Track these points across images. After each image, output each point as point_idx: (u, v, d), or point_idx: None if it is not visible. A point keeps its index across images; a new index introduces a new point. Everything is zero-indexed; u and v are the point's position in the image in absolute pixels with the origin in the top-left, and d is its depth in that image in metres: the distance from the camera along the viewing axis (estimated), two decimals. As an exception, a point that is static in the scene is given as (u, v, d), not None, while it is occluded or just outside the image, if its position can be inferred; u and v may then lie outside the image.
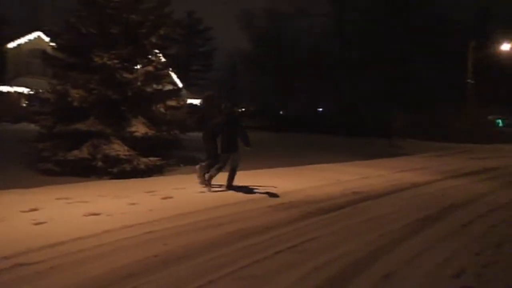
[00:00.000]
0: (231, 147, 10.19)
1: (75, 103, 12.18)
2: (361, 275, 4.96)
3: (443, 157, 21.92)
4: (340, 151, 22.00)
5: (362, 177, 13.12)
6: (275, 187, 10.62)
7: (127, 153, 12.07)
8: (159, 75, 14.16)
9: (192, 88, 49.98)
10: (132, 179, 11.31)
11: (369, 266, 5.26)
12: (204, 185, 10.09)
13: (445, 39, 37.24)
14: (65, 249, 5.49)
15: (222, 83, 49.17)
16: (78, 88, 12.41)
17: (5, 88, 34.64)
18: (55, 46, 13.86)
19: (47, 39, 14.28)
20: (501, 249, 6.18)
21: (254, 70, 41.59)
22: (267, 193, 9.91)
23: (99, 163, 11.81)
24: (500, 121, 56.99)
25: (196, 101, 46.16)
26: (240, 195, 9.57)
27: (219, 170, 10.15)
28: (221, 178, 10.33)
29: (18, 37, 35.88)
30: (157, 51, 14.45)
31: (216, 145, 10.33)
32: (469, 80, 36.81)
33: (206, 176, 10.12)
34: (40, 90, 13.96)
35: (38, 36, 35.26)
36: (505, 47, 38.95)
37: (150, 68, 13.65)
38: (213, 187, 10.18)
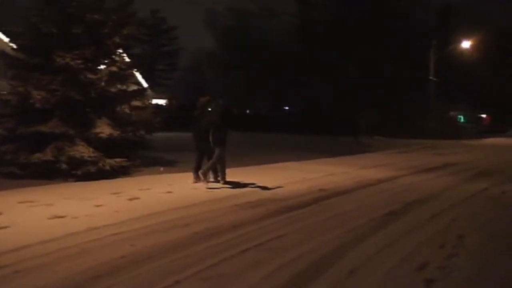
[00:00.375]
0: (222, 142, 10.94)
1: (37, 105, 11.94)
2: (327, 272, 5.03)
3: (407, 154, 22.35)
4: (307, 149, 22.16)
5: (328, 175, 13.26)
6: (242, 186, 10.66)
7: (92, 154, 11.90)
8: (123, 75, 14.01)
9: (157, 88, 49.53)
10: (97, 181, 11.18)
11: (334, 263, 5.33)
12: (205, 181, 10.75)
13: (408, 38, 37.89)
14: (30, 253, 5.41)
15: (187, 83, 48.91)
16: (40, 90, 12.17)
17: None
18: (16, 47, 13.54)
19: (6, 39, 13.93)
20: (462, 242, 6.34)
21: (220, 70, 41.49)
22: (234, 192, 9.94)
23: (63, 166, 11.62)
24: (461, 117, 58.31)
25: (162, 101, 45.76)
26: (207, 194, 9.57)
27: (214, 164, 10.95)
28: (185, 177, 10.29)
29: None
30: (121, 51, 14.28)
31: (210, 143, 10.95)
32: (431, 78, 37.57)
33: (200, 172, 10.79)
34: (0, 92, 13.63)
35: (-3, 36, 34.37)
36: (465, 44, 39.94)
37: (114, 68, 13.49)
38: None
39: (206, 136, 10.94)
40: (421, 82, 38.01)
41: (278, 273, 4.95)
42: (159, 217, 7.39)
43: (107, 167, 12.06)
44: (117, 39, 13.70)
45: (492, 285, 4.77)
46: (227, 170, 11.42)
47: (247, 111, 45.60)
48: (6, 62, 13.61)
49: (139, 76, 17.37)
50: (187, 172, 12.62)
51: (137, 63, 15.59)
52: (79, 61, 12.34)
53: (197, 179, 10.94)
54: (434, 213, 8.19)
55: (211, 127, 10.95)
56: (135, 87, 15.12)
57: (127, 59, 14.52)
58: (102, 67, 13.63)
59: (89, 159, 11.79)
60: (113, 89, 13.73)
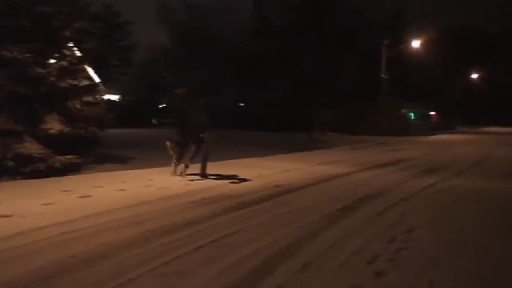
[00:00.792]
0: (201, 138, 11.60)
1: (-18, 100, 11.53)
2: (280, 267, 5.07)
3: (360, 150, 22.74)
4: (262, 146, 22.21)
5: (283, 171, 13.35)
6: (197, 183, 10.61)
7: (40, 151, 11.55)
8: (75, 70, 13.67)
9: (111, 84, 48.55)
10: (47, 179, 10.86)
11: (288, 258, 5.38)
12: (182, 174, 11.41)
13: (362, 37, 38.52)
14: (-25, 253, 5.23)
15: (141, 79, 48.20)
16: (-15, 84, 11.75)
17: None
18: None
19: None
20: (411, 235, 6.51)
21: (175, 66, 41.02)
22: (188, 189, 9.89)
23: (10, 163, 11.24)
24: (412, 114, 59.76)
25: (115, 97, 44.96)
26: (161, 192, 9.48)
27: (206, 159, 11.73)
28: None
29: None
30: (72, 45, 13.94)
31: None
32: (383, 76, 38.32)
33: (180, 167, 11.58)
34: None
35: None
36: (415, 44, 40.93)
37: (64, 62, 13.15)
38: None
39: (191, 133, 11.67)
40: (373, 80, 38.71)
41: (232, 269, 4.96)
42: (111, 215, 7.27)
43: (57, 165, 11.73)
44: (68, 33, 13.36)
45: (440, 276, 4.91)
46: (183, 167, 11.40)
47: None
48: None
49: (91, 71, 16.99)
50: (141, 169, 12.52)
51: (89, 58, 15.24)
52: (28, 55, 11.96)
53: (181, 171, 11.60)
54: (385, 208, 8.37)
55: (197, 126, 11.62)
56: (86, 82, 14.78)
57: (78, 54, 14.19)
58: (52, 61, 13.25)
59: (37, 156, 11.43)
60: (63, 84, 13.37)
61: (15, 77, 11.99)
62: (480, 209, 8.66)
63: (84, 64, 14.70)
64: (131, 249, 5.51)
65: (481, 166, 16.29)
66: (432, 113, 64.75)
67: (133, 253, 5.36)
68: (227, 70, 39.89)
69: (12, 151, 11.35)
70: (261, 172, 12.95)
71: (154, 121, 12.11)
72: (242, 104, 45.59)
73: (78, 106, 13.70)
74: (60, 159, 11.84)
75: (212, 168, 13.32)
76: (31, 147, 11.52)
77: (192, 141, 11.72)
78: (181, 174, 11.51)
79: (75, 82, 13.95)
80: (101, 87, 16.97)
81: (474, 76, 70.74)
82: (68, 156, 12.05)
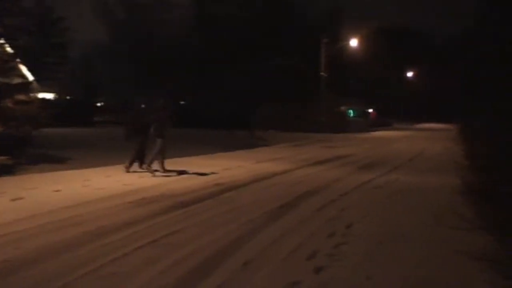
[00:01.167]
0: (162, 135, 12.12)
1: None
2: (222, 265, 5.06)
3: (300, 147, 23.01)
4: (203, 144, 22.11)
5: (224, 169, 13.32)
6: (136, 183, 10.44)
7: (-31, 152, 11.07)
8: (6, 68, 13.16)
9: (46, 82, 46.86)
10: (-24, 181, 10.40)
11: (229, 255, 5.38)
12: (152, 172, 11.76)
13: (302, 36, 38.97)
14: None
15: (78, 76, 46.88)
16: None
17: None
18: None
19: None
20: (350, 230, 6.66)
21: (113, 63, 40.14)
22: (127, 188, 9.70)
23: None
24: (351, 111, 61.08)
25: (50, 95, 43.53)
26: (99, 192, 9.23)
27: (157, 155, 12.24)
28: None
29: None
30: (3, 41, 13.40)
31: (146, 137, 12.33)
32: (322, 73, 38.94)
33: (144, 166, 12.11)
34: None
35: None
36: (353, 42, 41.84)
37: (-5, 60, 12.64)
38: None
39: (144, 130, 12.27)
40: (313, 78, 39.26)
41: (173, 269, 4.91)
42: (46, 217, 7.02)
43: (-12, 166, 11.28)
44: (-2, 29, 12.85)
45: (375, 269, 5.03)
46: (114, 167, 11.21)
47: (143, 106, 44.65)
48: None
49: (24, 69, 16.39)
50: (79, 170, 12.18)
51: (22, 55, 14.69)
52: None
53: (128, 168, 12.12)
54: (325, 204, 8.52)
55: (156, 123, 12.17)
56: (19, 80, 14.26)
57: (10, 50, 13.65)
58: (-19, 58, 12.71)
59: (-34, 157, 10.95)
60: (-6, 82, 12.86)
61: None
62: (412, 202, 8.95)
63: (16, 61, 14.16)
64: (67, 252, 5.35)
65: (415, 161, 16.85)
66: (370, 110, 66.47)
67: (69, 256, 5.21)
68: (167, 68, 39.45)
69: None
70: (202, 170, 12.87)
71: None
72: (182, 103, 45.18)
73: (10, 105, 13.19)
74: (-9, 160, 11.37)
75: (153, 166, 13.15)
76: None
77: (153, 139, 12.21)
78: (148, 171, 11.94)
79: (7, 80, 13.41)
80: (35, 85, 16.42)
81: (410, 74, 73.10)
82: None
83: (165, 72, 40.50)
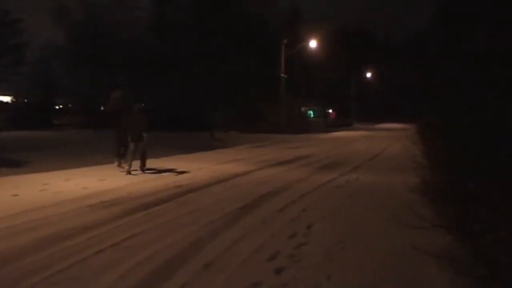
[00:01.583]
0: (141, 137, 12.71)
1: None
2: (183, 267, 5.05)
3: (261, 148, 23.08)
4: (163, 146, 21.88)
5: (184, 171, 13.25)
6: (96, 186, 10.28)
7: None
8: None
9: (2, 84, 45.54)
10: None
11: (190, 258, 5.36)
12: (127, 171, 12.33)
13: (261, 37, 39.07)
14: None
15: (35, 78, 45.77)
16: None
17: None
18: None
19: None
20: (310, 230, 6.72)
21: (71, 65, 39.33)
22: (85, 192, 9.54)
23: None
24: (311, 112, 61.64)
25: (6, 98, 42.46)
26: (57, 196, 9.04)
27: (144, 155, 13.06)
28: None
29: None
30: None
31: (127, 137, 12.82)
32: (282, 75, 39.16)
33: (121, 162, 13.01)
34: None
35: None
36: (312, 44, 42.25)
37: None
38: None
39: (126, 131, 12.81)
40: (274, 79, 39.43)
41: (133, 272, 4.87)
42: (2, 222, 6.85)
43: None
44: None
45: (335, 269, 5.10)
46: (70, 171, 10.99)
47: (102, 108, 43.99)
48: None
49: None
50: (37, 173, 11.92)
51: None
52: None
53: (119, 163, 13.13)
54: (286, 205, 8.56)
55: (134, 125, 12.75)
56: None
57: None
58: None
59: None
60: None
61: None
62: (372, 202, 9.10)
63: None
64: (23, 258, 5.24)
65: (375, 161, 17.13)
66: (330, 110, 67.23)
67: (25, 262, 5.10)
68: (125, 70, 39.02)
69: None
70: (162, 172, 12.79)
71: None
72: (143, 104, 44.66)
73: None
74: None
75: (110, 170, 13.00)
76: None
77: (132, 141, 12.67)
78: (123, 168, 12.72)
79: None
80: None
81: (368, 75, 74.33)
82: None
83: (121, 74, 40.10)
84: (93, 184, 10.56)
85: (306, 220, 7.31)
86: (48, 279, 4.62)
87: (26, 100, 43.33)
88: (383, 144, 26.24)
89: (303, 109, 52.67)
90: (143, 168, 12.92)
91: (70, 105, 47.10)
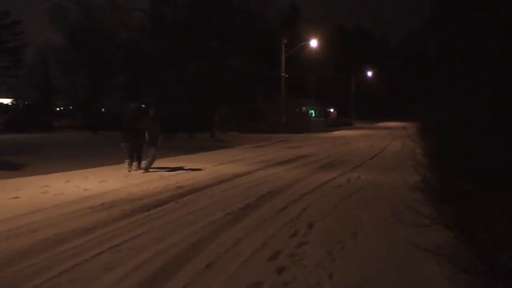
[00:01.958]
0: (156, 142, 13.55)
1: None
2: (184, 267, 5.05)
3: (262, 148, 23.07)
4: (164, 147, 21.92)
5: (185, 171, 13.27)
6: (96, 188, 10.29)
7: None
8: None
9: (1, 87, 45.53)
10: None
11: (191, 258, 5.37)
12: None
13: (261, 37, 39.03)
14: None
15: (33, 81, 45.79)
16: None
17: None
18: None
19: None
20: (311, 229, 6.72)
21: (69, 66, 39.28)
22: (87, 194, 9.54)
23: None
24: (313, 111, 61.64)
25: (6, 101, 42.43)
26: (57, 198, 9.04)
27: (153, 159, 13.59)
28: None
29: None
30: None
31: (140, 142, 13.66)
32: (282, 74, 39.15)
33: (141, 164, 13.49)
34: None
35: None
36: (313, 43, 42.24)
37: None
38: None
39: (139, 136, 13.48)
40: (274, 78, 39.40)
41: (134, 274, 4.87)
42: (3, 224, 6.85)
43: None
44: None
45: (336, 268, 5.10)
46: (71, 173, 10.96)
47: (103, 110, 44.00)
48: None
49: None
50: (38, 176, 11.92)
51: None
52: None
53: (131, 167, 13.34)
54: (286, 204, 8.57)
55: (147, 131, 13.51)
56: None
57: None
58: None
59: None
60: None
61: None
62: (373, 200, 9.10)
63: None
64: (24, 260, 5.24)
65: (375, 160, 17.12)
66: (331, 110, 67.30)
67: (26, 264, 5.11)
68: (123, 70, 39.00)
69: None
70: (163, 173, 12.80)
71: (123, 145, 12.21)
72: (143, 106, 44.62)
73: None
74: None
75: (111, 171, 13.02)
76: None
77: (150, 145, 13.50)
78: (137, 169, 13.31)
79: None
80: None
81: (369, 73, 74.34)
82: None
83: (119, 75, 40.10)
84: (94, 185, 10.56)
85: (307, 220, 7.32)
86: (49, 281, 4.61)
87: (26, 103, 43.34)
88: (384, 143, 26.24)
89: (304, 108, 52.71)
90: (145, 168, 13.28)
91: (70, 107, 47.13)
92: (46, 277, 4.72)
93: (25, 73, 47.84)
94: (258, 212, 7.90)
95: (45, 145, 21.15)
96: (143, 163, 13.41)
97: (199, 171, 13.43)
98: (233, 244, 5.92)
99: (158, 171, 13.24)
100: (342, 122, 58.36)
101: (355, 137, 33.28)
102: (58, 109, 49.29)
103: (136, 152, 13.54)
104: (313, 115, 62.27)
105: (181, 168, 13.91)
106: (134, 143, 13.43)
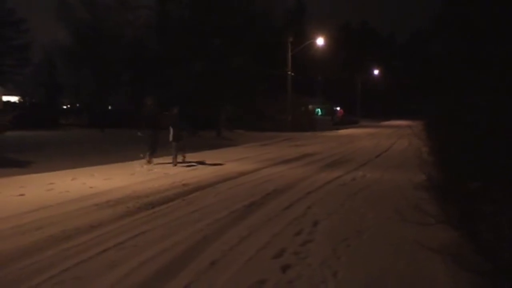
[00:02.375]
0: (180, 137, 14.68)
1: None
2: (189, 265, 5.05)
3: (268, 146, 23.06)
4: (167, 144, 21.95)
5: (191, 169, 13.30)
6: (102, 185, 10.32)
7: None
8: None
9: (9, 85, 45.77)
10: None
11: (196, 256, 5.37)
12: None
13: (266, 35, 39.00)
14: None
15: (40, 78, 45.90)
16: None
17: None
18: None
19: None
20: (316, 227, 6.71)
21: (75, 64, 39.37)
22: (93, 191, 9.57)
23: None
24: (319, 110, 61.58)
25: (14, 98, 42.59)
26: (63, 195, 9.06)
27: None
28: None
29: None
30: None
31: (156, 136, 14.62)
32: (289, 73, 39.11)
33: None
34: None
35: None
36: (319, 41, 42.17)
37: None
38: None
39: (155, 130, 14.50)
40: (280, 77, 39.36)
41: (138, 271, 4.88)
42: (9, 221, 6.88)
43: None
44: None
45: (341, 266, 5.10)
46: (79, 170, 10.98)
47: (109, 107, 44.08)
48: None
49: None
50: (44, 173, 11.96)
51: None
52: None
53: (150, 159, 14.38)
54: (292, 202, 8.57)
55: (171, 127, 14.55)
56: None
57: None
58: None
59: None
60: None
61: None
62: (378, 199, 9.08)
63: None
64: (29, 257, 5.26)
65: (381, 158, 17.10)
66: (337, 108, 67.19)
67: (31, 261, 5.12)
68: (128, 68, 39.10)
69: None
70: (168, 171, 12.83)
71: (139, 133, 12.97)
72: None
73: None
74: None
75: (117, 168, 13.05)
76: None
77: (174, 140, 14.50)
78: (147, 163, 14.19)
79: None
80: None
81: (375, 72, 74.20)
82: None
83: (126, 74, 40.18)
84: (99, 183, 10.59)
85: (312, 218, 7.31)
86: (53, 278, 4.63)
87: (33, 100, 43.51)
88: (389, 141, 26.19)
89: (310, 107, 52.62)
90: (176, 162, 14.29)
91: (77, 105, 47.26)
92: (50, 274, 4.73)
93: (32, 71, 48.06)
94: (263, 210, 7.90)
95: (51, 143, 21.23)
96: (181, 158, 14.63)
97: (205, 169, 13.45)
98: (237, 242, 5.92)
99: (164, 168, 13.26)
100: (348, 120, 58.22)
101: (361, 136, 33.23)
102: (64, 107, 49.37)
103: (150, 145, 14.38)
104: (319, 113, 62.23)
105: (186, 166, 13.93)
106: (150, 136, 14.38)
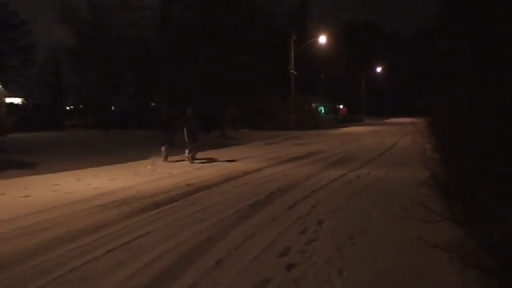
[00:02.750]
0: (196, 138, 15.43)
1: None
2: (194, 265, 5.06)
3: (272, 145, 23.07)
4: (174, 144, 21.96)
5: (195, 169, 13.31)
6: (107, 186, 10.33)
7: None
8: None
9: (12, 86, 45.82)
10: None
11: (201, 255, 5.37)
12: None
13: (269, 34, 38.96)
14: None
15: (44, 80, 46.01)
16: None
17: None
18: None
19: None
20: (321, 226, 6.70)
21: (78, 65, 39.47)
22: (97, 192, 9.59)
23: None
24: (322, 108, 61.51)
25: (17, 100, 42.66)
26: (68, 196, 9.10)
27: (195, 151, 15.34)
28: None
29: None
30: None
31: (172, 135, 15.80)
32: (292, 71, 39.09)
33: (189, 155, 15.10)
34: None
35: None
36: (322, 39, 42.14)
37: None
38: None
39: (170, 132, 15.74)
40: (283, 75, 39.35)
41: (143, 271, 4.89)
42: (14, 223, 6.91)
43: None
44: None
45: (346, 264, 5.09)
46: (82, 171, 10.98)
47: (112, 108, 44.16)
48: None
49: (-12, 74, 16.08)
50: (48, 174, 12.00)
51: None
52: None
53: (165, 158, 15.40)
54: (296, 201, 8.56)
55: (185, 128, 15.24)
56: (-17, 85, 13.97)
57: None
58: None
59: None
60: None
61: None
62: (383, 196, 9.05)
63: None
64: (35, 258, 5.28)
65: (385, 156, 17.06)
66: (341, 106, 67.12)
67: (37, 262, 5.14)
68: (131, 69, 39.21)
69: None
70: (172, 171, 12.84)
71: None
72: (153, 104, 44.76)
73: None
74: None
75: (122, 169, 13.07)
76: None
77: (190, 140, 15.15)
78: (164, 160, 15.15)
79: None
80: (1, 90, 16.13)
81: (379, 69, 74.06)
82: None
83: (130, 74, 40.28)
84: (104, 183, 10.62)
85: (317, 216, 7.30)
86: (59, 279, 4.64)
87: (36, 102, 43.62)
88: (394, 139, 26.14)
89: (314, 105, 52.59)
90: (192, 160, 15.02)
91: (81, 106, 47.38)
92: (56, 274, 4.74)
93: (36, 72, 48.13)
94: (268, 209, 7.89)
95: (55, 144, 21.29)
96: (189, 155, 15.11)
97: (209, 168, 13.47)
98: (242, 241, 5.92)
99: (168, 168, 13.28)
100: (352, 118, 58.18)
101: (365, 134, 33.18)
102: (68, 108, 49.50)
103: (165, 144, 15.42)
104: (323, 112, 62.15)
105: (191, 165, 13.96)
106: (169, 137, 15.57)
